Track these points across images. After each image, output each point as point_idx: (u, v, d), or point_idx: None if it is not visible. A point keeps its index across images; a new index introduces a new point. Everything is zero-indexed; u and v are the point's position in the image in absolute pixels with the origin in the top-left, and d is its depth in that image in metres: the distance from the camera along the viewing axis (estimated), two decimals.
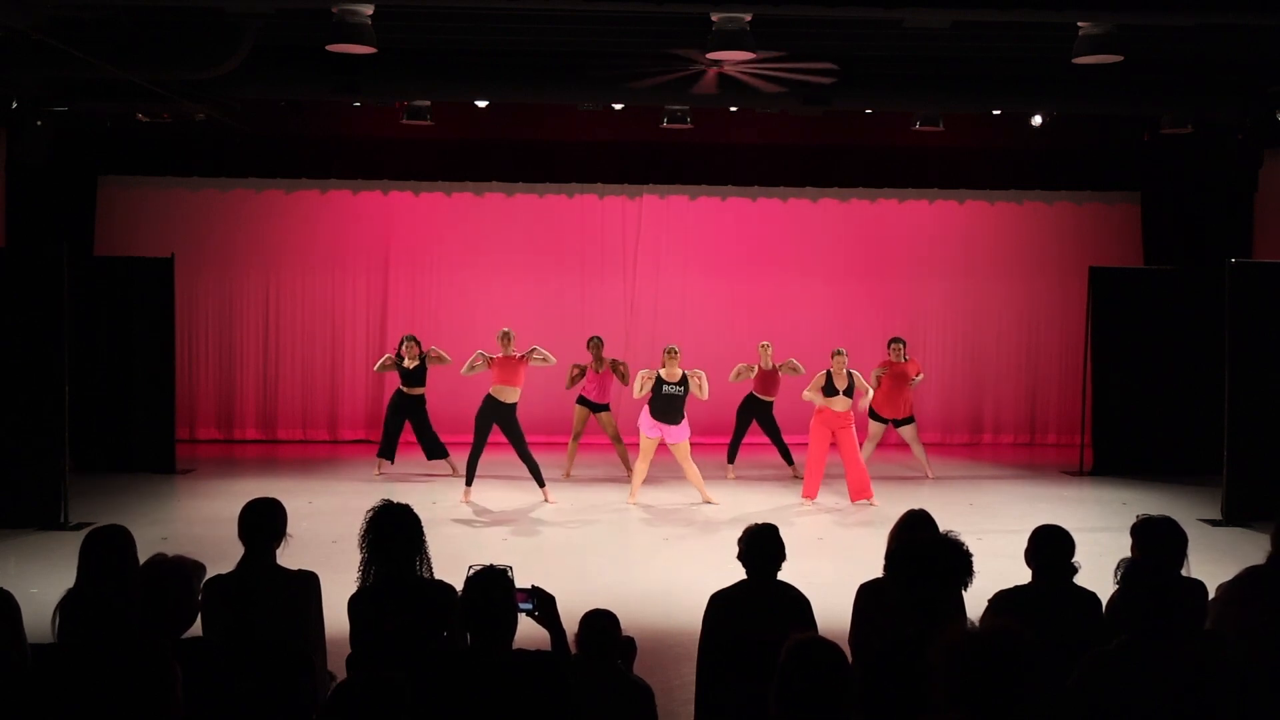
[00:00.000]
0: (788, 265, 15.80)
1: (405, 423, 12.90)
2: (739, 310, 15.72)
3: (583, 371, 12.93)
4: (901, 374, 13.17)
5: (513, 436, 11.61)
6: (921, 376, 13.62)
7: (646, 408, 11.63)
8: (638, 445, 11.87)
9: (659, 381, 11.50)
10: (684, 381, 11.56)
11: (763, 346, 13.12)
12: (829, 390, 11.65)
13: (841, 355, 11.78)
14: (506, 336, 11.76)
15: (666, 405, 11.54)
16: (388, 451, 12.90)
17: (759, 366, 13.04)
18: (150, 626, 3.75)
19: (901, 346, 13.32)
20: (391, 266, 15.66)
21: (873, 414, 13.17)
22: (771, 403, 13.18)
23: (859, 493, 11.58)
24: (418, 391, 12.80)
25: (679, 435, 11.60)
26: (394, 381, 13.20)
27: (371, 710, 3.07)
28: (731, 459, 13.26)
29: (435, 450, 12.89)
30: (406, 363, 12.75)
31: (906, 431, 13.32)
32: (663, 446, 11.73)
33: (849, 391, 11.69)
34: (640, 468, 11.68)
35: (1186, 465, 12.96)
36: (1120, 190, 15.68)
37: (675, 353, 11.70)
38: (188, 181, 15.19)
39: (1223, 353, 11.08)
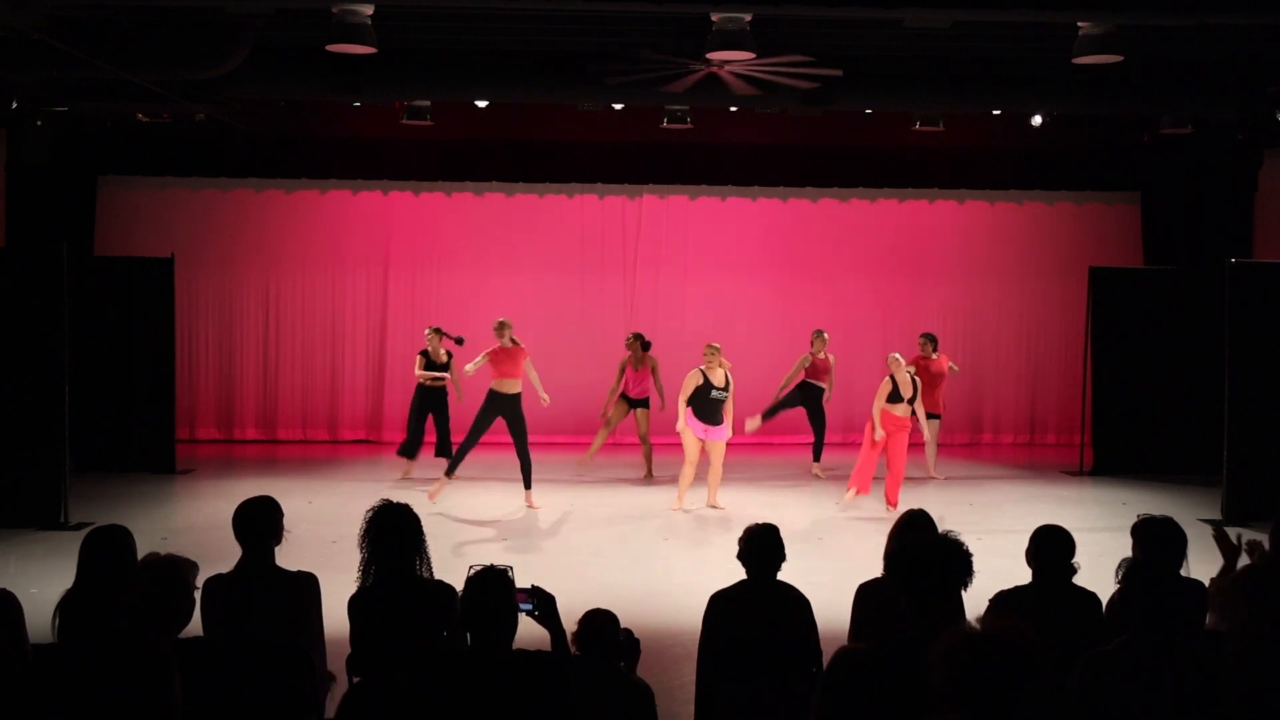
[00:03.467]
0: (788, 265, 15.80)
1: (430, 417, 12.78)
2: (739, 310, 15.72)
3: (623, 368, 12.93)
4: (932, 370, 13.15)
5: (516, 429, 11.37)
6: (955, 368, 13.86)
7: (691, 410, 11.25)
8: (681, 447, 11.49)
9: (706, 385, 11.12)
10: (728, 385, 11.25)
11: (819, 335, 13.28)
12: (893, 398, 11.30)
13: (898, 359, 11.51)
14: (503, 326, 11.45)
15: (712, 408, 11.22)
16: (411, 450, 12.77)
17: (812, 356, 13.21)
18: (147, 625, 3.75)
19: (929, 343, 13.34)
20: (391, 266, 15.66)
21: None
22: (823, 390, 13.28)
23: (895, 499, 11.28)
24: (441, 382, 12.70)
25: (720, 435, 11.36)
26: (411, 379, 13.10)
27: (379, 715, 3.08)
28: (817, 457, 13.40)
29: (445, 448, 12.79)
30: (433, 356, 12.67)
31: (932, 426, 13.03)
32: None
33: (913, 399, 11.35)
34: (687, 472, 11.33)
35: (1186, 465, 12.96)
36: (1120, 190, 15.69)
37: (718, 350, 11.24)
38: (188, 181, 15.20)
39: (1223, 353, 11.08)
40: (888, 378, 11.38)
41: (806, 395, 13.35)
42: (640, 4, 8.77)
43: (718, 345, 11.39)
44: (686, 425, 11.25)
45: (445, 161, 15.11)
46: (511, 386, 11.37)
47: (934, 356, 13.38)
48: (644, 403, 12.96)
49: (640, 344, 12.93)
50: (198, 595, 4.14)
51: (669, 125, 13.55)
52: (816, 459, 13.39)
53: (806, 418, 13.49)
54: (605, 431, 13.04)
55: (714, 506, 11.49)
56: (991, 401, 16.06)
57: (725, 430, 11.39)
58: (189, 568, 4.02)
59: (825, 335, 13.39)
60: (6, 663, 3.75)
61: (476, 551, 9.03)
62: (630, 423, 13.32)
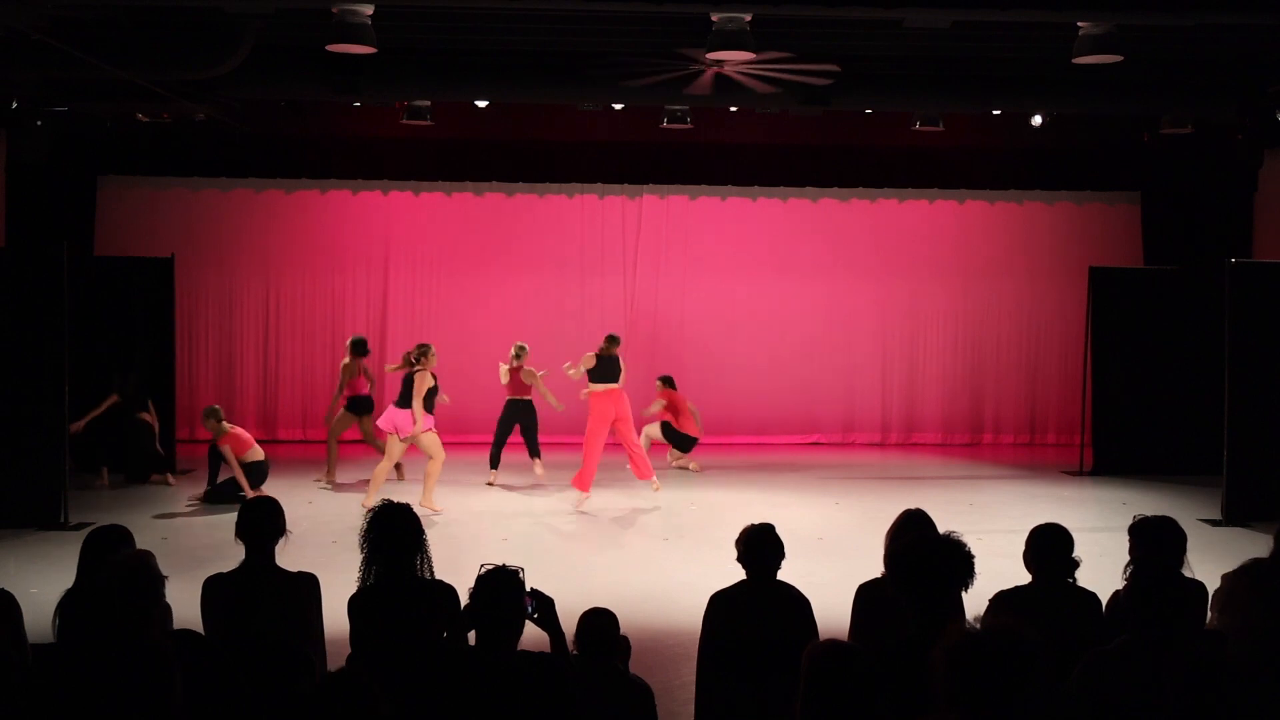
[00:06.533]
0: (788, 265, 15.79)
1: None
2: (739, 310, 15.72)
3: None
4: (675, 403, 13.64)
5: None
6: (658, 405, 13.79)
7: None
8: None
9: (436, 386, 11.15)
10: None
11: (519, 349, 12.77)
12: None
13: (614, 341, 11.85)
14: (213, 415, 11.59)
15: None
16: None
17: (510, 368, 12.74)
18: (130, 623, 3.69)
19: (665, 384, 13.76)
20: (391, 266, 15.66)
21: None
22: (530, 401, 12.82)
23: (644, 473, 11.76)
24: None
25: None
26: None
27: (343, 710, 3.07)
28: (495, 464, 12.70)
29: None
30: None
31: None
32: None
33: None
34: (437, 470, 11.11)
35: (1186, 465, 12.96)
36: (1120, 190, 15.69)
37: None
38: (188, 181, 15.20)
39: (1223, 353, 11.08)
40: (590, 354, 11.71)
41: (520, 412, 12.76)
42: (640, 4, 8.76)
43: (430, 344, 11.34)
44: (427, 427, 11.02)
45: (445, 161, 15.10)
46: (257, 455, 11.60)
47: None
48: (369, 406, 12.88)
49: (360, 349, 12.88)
50: (193, 592, 4.13)
51: (669, 125, 13.55)
52: (493, 466, 12.70)
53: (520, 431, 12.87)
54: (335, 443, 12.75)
55: (434, 510, 10.88)
56: (991, 401, 16.06)
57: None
58: (150, 558, 4.03)
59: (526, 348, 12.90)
60: (6, 663, 3.74)
61: (476, 552, 9.02)
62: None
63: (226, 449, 11.38)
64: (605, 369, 11.54)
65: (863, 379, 15.88)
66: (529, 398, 12.72)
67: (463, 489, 12.04)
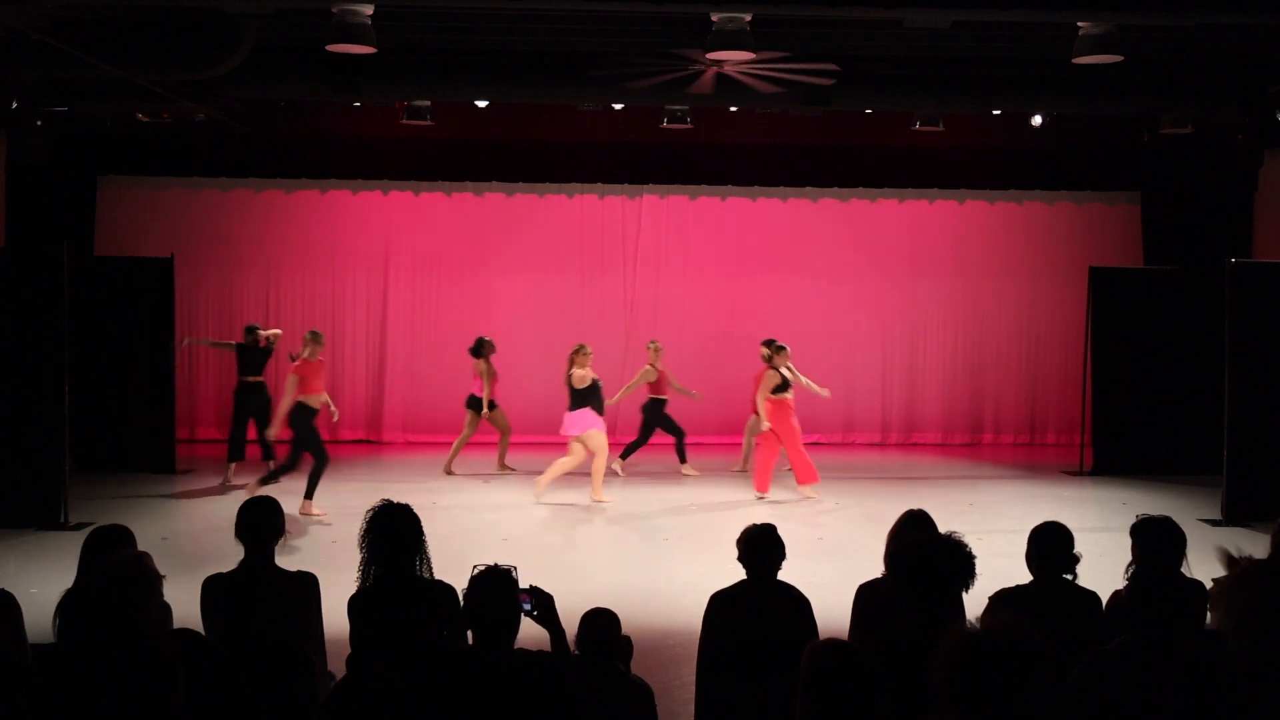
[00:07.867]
0: (788, 265, 15.80)
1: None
2: (739, 310, 15.72)
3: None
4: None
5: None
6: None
7: (591, 408, 11.55)
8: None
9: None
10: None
11: (653, 347, 13.19)
12: (780, 389, 11.94)
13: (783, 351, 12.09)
14: (316, 339, 11.57)
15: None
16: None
17: (654, 368, 13.06)
18: (128, 623, 3.66)
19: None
20: (391, 266, 15.66)
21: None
22: (665, 400, 13.23)
23: (809, 476, 11.90)
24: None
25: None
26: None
27: (369, 710, 3.07)
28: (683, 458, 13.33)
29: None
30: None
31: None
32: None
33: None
34: (601, 464, 11.71)
35: (1186, 465, 12.96)
36: (1120, 190, 15.69)
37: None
38: (188, 181, 15.20)
39: (1223, 353, 11.08)
40: (772, 371, 11.88)
41: (657, 412, 13.21)
42: (640, 4, 8.76)
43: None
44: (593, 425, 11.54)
45: (445, 161, 15.10)
46: (319, 401, 11.52)
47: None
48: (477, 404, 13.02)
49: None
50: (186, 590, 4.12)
51: (669, 125, 13.55)
52: (684, 460, 13.35)
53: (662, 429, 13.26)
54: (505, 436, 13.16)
55: (603, 500, 11.63)
56: (991, 401, 16.06)
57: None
58: (145, 558, 4.01)
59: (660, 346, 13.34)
60: (6, 663, 3.74)
61: (476, 551, 9.00)
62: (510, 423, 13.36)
63: (294, 380, 11.20)
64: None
65: (863, 379, 15.88)
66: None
67: (463, 488, 12.03)
